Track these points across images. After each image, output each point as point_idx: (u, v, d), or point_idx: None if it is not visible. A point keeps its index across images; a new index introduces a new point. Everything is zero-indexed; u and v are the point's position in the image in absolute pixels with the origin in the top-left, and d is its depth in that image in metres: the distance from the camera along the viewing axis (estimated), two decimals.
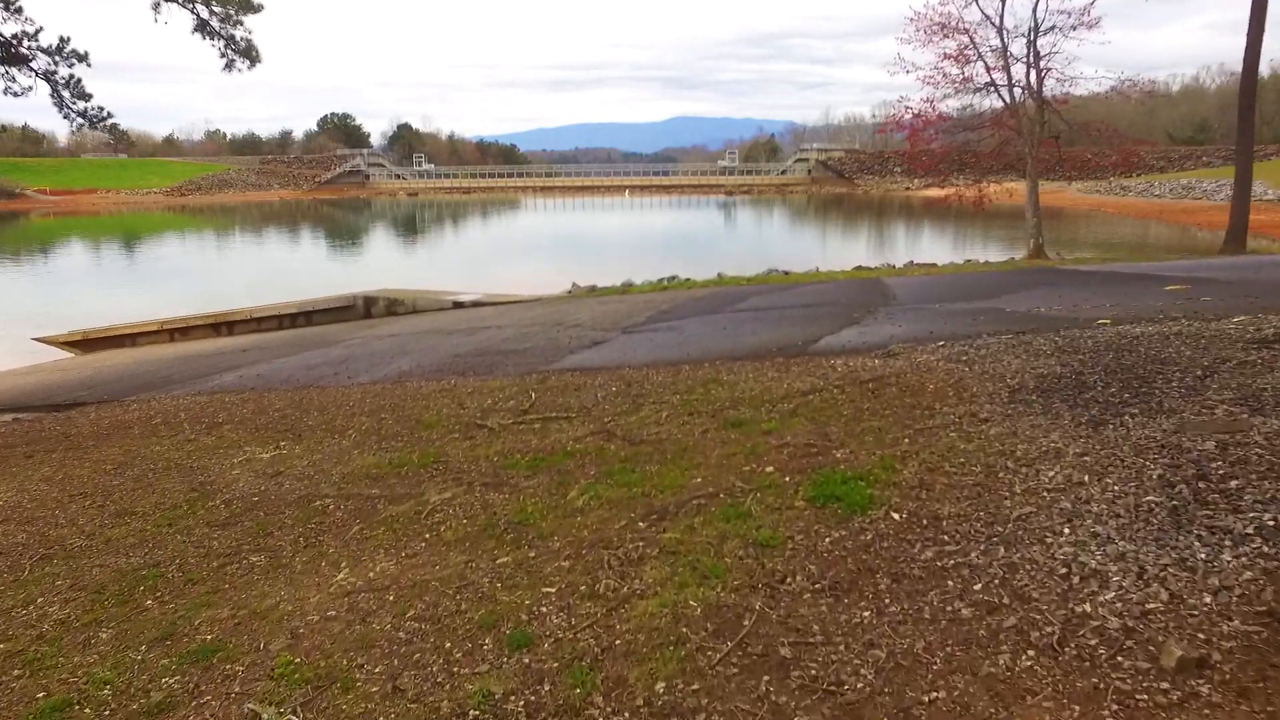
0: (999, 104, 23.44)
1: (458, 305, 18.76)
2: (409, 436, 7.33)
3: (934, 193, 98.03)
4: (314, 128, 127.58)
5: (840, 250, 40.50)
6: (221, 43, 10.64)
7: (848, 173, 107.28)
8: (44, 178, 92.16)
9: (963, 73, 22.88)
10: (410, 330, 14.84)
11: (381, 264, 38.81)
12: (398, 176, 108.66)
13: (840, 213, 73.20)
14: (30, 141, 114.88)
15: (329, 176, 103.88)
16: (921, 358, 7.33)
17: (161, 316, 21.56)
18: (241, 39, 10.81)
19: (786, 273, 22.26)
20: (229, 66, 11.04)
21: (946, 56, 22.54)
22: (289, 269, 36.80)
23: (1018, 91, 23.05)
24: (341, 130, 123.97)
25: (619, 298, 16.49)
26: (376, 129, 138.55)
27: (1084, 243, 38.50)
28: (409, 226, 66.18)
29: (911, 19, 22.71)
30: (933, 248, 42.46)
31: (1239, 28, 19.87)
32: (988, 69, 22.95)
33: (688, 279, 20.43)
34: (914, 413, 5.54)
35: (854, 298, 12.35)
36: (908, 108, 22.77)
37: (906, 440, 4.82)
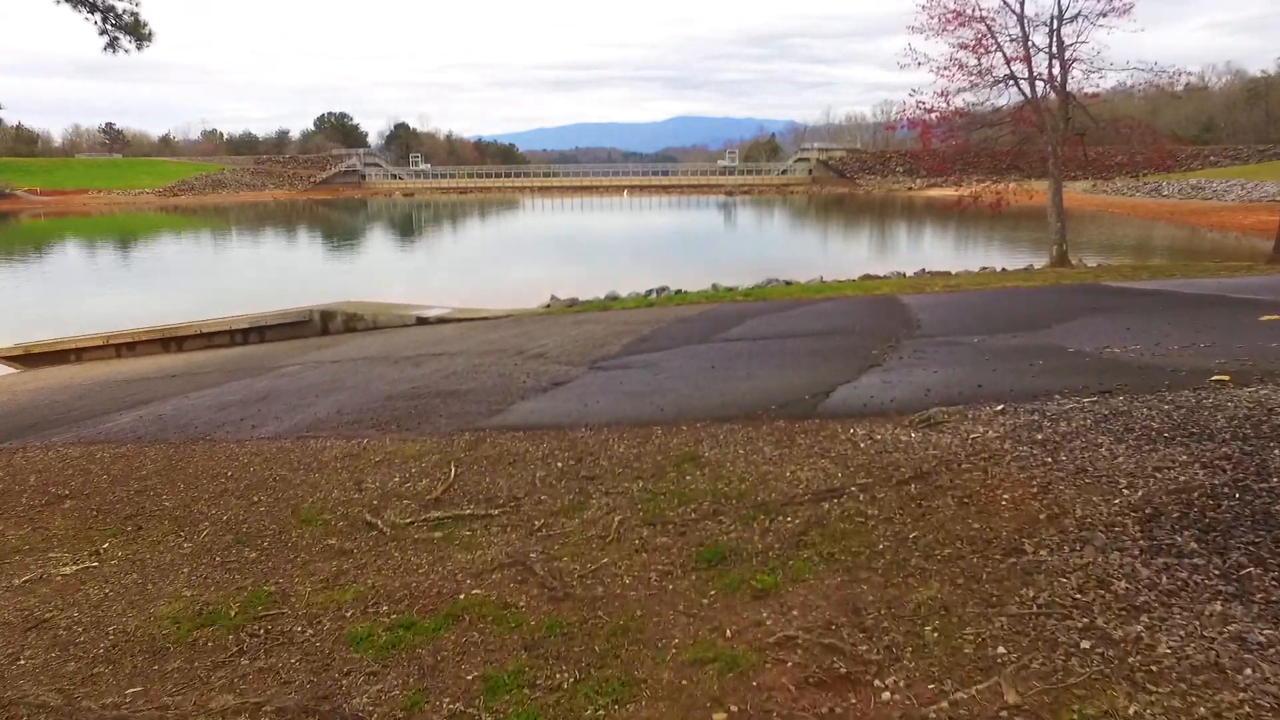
0: (1019, 98, 21.37)
1: (421, 321, 16.70)
2: (271, 542, 5.27)
3: (937, 193, 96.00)
4: (312, 127, 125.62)
5: (844, 255, 38.36)
6: (99, 16, 8.58)
7: (849, 173, 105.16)
8: (36, 178, 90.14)
9: (979, 64, 20.79)
10: (354, 355, 12.76)
11: (365, 268, 36.72)
12: (394, 176, 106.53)
13: (842, 213, 71.07)
14: (24, 141, 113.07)
15: (324, 176, 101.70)
16: (977, 432, 5.24)
17: (108, 330, 19.67)
18: (126, 12, 8.70)
19: (788, 283, 20.17)
20: (112, 46, 8.91)
21: (963, 46, 20.45)
22: (270, 272, 34.72)
23: (1040, 85, 20.97)
24: (339, 130, 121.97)
25: (598, 315, 14.41)
26: (377, 129, 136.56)
27: (1100, 246, 36.41)
28: (400, 228, 64.12)
29: (924, 5, 20.61)
30: (940, 251, 40.31)
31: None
32: (1006, 60, 20.85)
33: (678, 291, 18.35)
34: (992, 559, 3.45)
35: (870, 323, 10.25)
36: (920, 102, 20.67)
37: (1003, 650, 2.73)
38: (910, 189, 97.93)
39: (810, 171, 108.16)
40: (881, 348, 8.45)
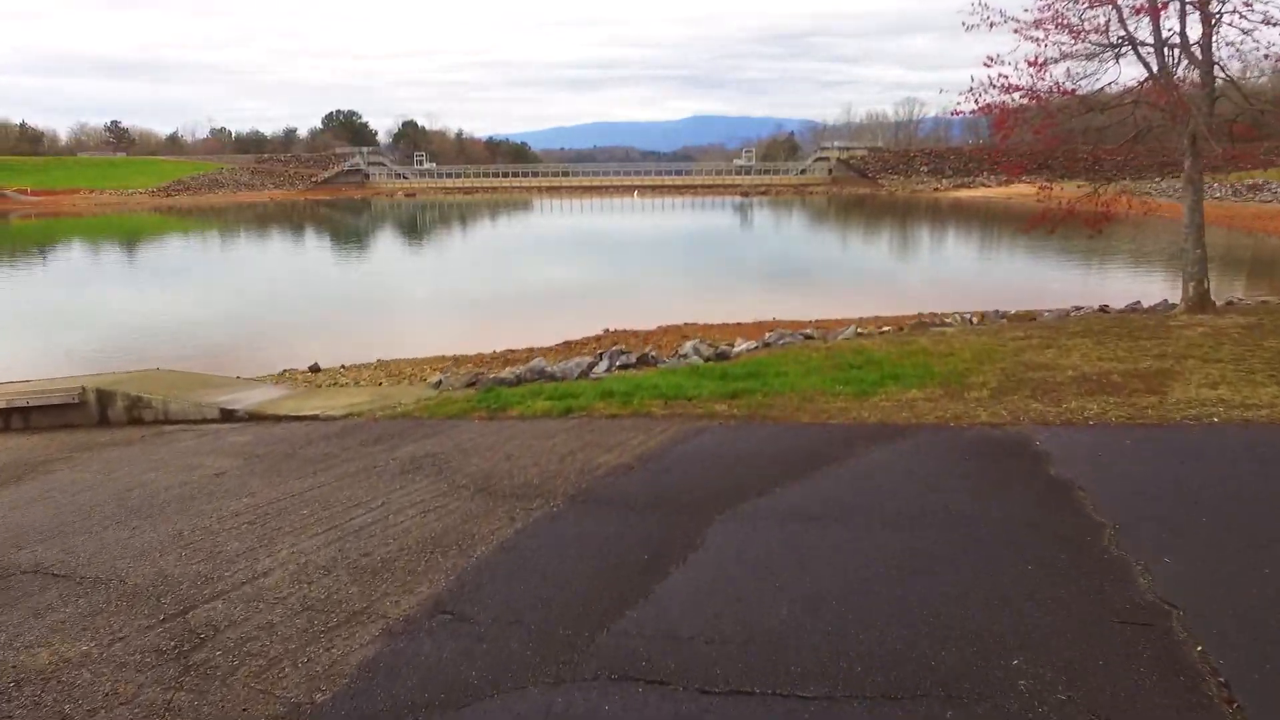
0: (1135, 72, 14.59)
1: (226, 416, 10.27)
2: None
3: (965, 194, 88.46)
4: (320, 126, 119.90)
5: (875, 273, 31.48)
6: None
7: (870, 172, 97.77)
8: (29, 177, 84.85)
9: (1083, 23, 14.01)
10: None
11: (297, 284, 30.23)
12: (400, 176, 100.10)
13: (865, 217, 63.91)
14: (28, 140, 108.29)
15: (326, 176, 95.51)
16: None
17: None
18: None
19: (808, 336, 13.56)
20: None
21: None
22: (191, 288, 28.49)
23: (1171, 52, 14.14)
24: (347, 128, 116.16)
25: (475, 433, 7.92)
26: (388, 128, 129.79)
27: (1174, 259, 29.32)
28: (387, 233, 57.87)
29: None
30: (988, 269, 33.35)
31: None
32: (1120, 16, 14.04)
33: (641, 359, 11.74)
34: None
35: (1044, 631, 3.62)
36: (1000, 76, 13.85)
37: None
38: (936, 190, 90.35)
39: (830, 171, 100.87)
40: None
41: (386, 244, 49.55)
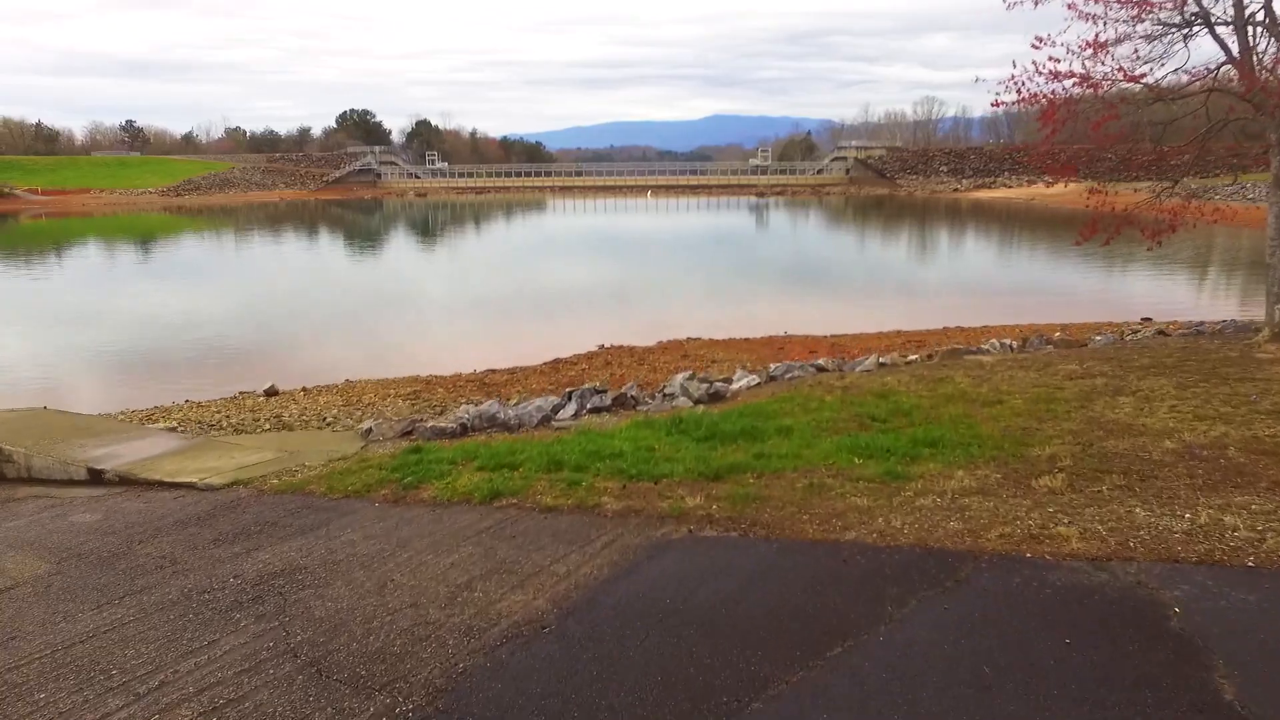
0: (1206, 56, 12.24)
1: (95, 476, 8.19)
2: None
3: (986, 195, 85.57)
4: (334, 125, 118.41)
5: (896, 278, 29.01)
6: None
7: (889, 172, 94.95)
8: (41, 176, 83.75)
9: None
10: None
11: (292, 289, 28.12)
12: (412, 175, 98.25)
13: (884, 218, 61.29)
14: (43, 139, 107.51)
15: (337, 175, 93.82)
16: None
17: None
18: None
19: (821, 367, 11.32)
20: None
21: None
22: (198, 292, 26.61)
23: (1253, 32, 11.81)
24: (361, 127, 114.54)
25: (372, 523, 5.82)
26: (402, 126, 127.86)
27: (1254, 267, 26.83)
28: (392, 235, 55.96)
29: None
30: (1010, 270, 30.85)
31: None
32: None
33: (607, 420, 9.53)
34: None
35: None
36: (1050, 60, 11.55)
37: None
38: (956, 190, 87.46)
39: (848, 171, 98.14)
40: None
41: (394, 245, 47.62)
